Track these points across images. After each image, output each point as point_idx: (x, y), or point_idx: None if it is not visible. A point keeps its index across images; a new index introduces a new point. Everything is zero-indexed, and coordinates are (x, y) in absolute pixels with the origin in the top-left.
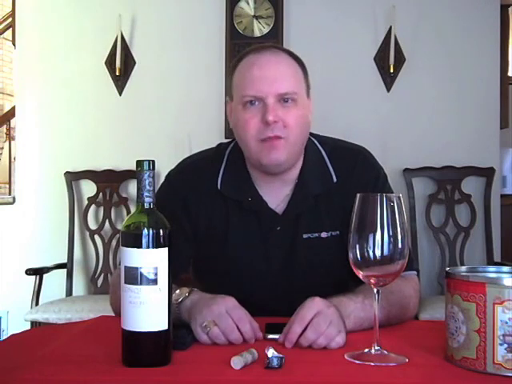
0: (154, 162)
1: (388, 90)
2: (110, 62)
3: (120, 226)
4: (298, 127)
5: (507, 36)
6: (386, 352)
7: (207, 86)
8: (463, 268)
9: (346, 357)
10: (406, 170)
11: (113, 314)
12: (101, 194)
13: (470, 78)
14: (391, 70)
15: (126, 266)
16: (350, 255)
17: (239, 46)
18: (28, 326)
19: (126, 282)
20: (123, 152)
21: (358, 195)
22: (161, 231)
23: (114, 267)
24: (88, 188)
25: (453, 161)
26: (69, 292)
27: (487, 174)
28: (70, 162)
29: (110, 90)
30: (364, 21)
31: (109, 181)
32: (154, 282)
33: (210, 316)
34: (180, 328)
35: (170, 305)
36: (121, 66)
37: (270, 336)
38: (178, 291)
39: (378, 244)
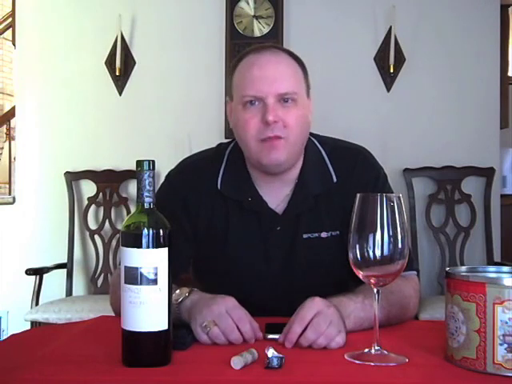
0: (154, 162)
1: (388, 90)
2: (109, 62)
3: (120, 226)
4: (298, 127)
5: (507, 36)
6: (385, 352)
7: (207, 86)
8: (463, 268)
9: (345, 357)
10: (405, 170)
11: (113, 314)
12: (101, 194)
13: (470, 78)
14: (391, 70)
15: (126, 266)
16: (350, 255)
17: (239, 46)
18: (28, 326)
19: (126, 282)
20: (123, 152)
21: (358, 195)
22: (161, 231)
23: (114, 267)
24: (88, 188)
25: (453, 161)
26: (69, 292)
27: (487, 173)
28: (70, 162)
29: (110, 90)
30: (364, 21)
31: (109, 181)
32: (154, 282)
33: (210, 316)
34: (180, 328)
35: (170, 305)
36: (121, 65)
37: (270, 336)
38: (177, 291)
39: (378, 244)
